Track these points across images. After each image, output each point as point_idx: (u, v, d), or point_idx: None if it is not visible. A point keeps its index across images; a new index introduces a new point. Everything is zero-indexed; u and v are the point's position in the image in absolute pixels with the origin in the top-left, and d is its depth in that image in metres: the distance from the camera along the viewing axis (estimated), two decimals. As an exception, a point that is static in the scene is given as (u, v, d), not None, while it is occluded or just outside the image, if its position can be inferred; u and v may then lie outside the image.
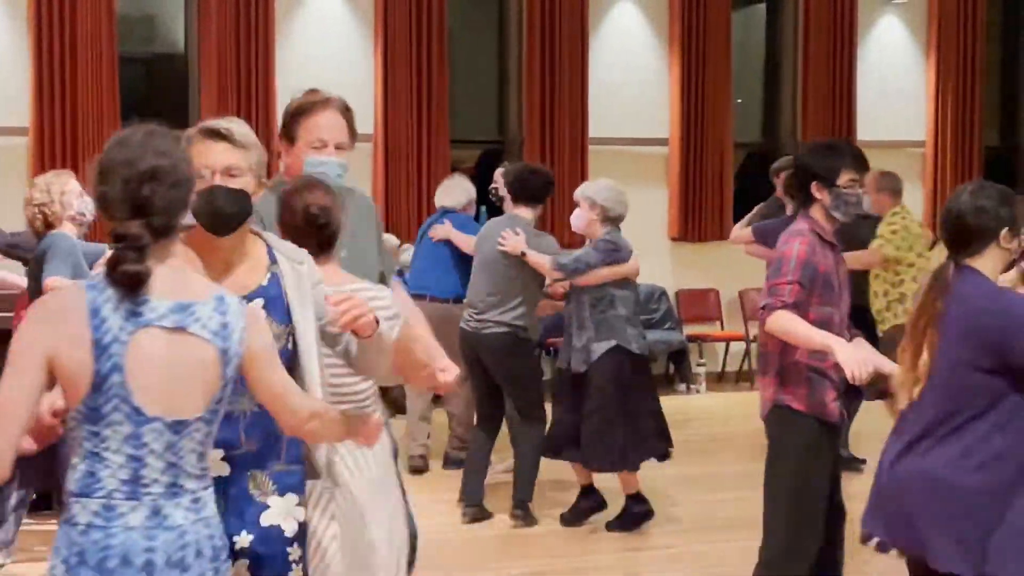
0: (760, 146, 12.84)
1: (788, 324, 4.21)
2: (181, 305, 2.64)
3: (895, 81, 12.66)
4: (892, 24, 12.73)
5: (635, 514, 6.71)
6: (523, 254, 6.73)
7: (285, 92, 10.34)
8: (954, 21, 12.68)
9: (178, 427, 2.63)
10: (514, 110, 11.62)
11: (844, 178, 4.42)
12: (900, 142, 12.40)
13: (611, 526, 6.70)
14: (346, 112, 3.86)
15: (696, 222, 11.79)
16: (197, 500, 2.67)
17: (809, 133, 12.30)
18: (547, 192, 7.04)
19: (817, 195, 4.43)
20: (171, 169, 2.65)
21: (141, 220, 2.59)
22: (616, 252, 6.67)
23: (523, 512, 6.73)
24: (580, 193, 6.82)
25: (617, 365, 6.47)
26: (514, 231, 6.75)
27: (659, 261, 11.33)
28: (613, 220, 6.78)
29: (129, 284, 2.57)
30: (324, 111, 3.80)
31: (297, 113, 3.81)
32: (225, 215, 3.11)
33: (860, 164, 4.52)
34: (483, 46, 11.95)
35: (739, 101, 12.38)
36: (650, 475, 6.84)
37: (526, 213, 6.89)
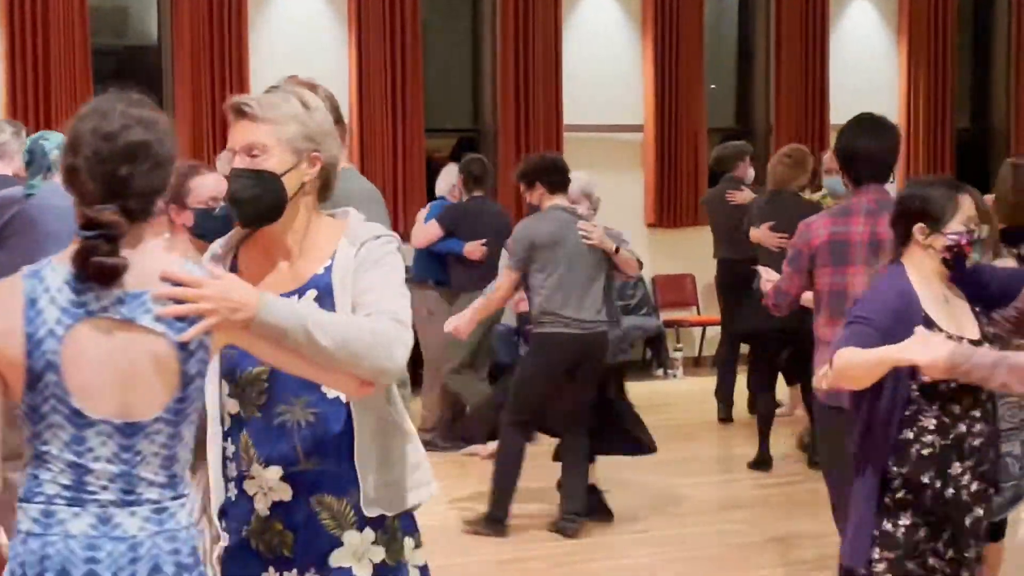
0: (734, 131, 12.89)
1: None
2: (133, 294, 2.31)
3: (867, 65, 12.72)
4: (863, 9, 12.80)
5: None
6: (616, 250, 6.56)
7: (259, 84, 10.33)
8: (925, 5, 12.74)
9: (131, 430, 2.32)
10: (488, 98, 11.62)
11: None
12: (873, 126, 12.44)
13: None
14: (316, 91, 3.96)
15: (671, 208, 11.83)
16: (161, 511, 2.34)
17: (782, 118, 12.36)
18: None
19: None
20: (154, 145, 2.37)
21: (116, 204, 2.29)
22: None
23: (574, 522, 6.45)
24: (580, 191, 6.84)
25: None
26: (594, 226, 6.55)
27: (635, 247, 11.31)
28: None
29: (103, 278, 2.28)
30: None
31: None
32: (241, 202, 2.77)
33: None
34: (457, 34, 11.95)
35: (712, 87, 12.43)
36: (627, 459, 6.87)
37: (564, 201, 6.56)
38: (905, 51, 12.77)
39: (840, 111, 12.27)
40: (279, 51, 10.55)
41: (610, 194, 11.51)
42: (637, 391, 6.96)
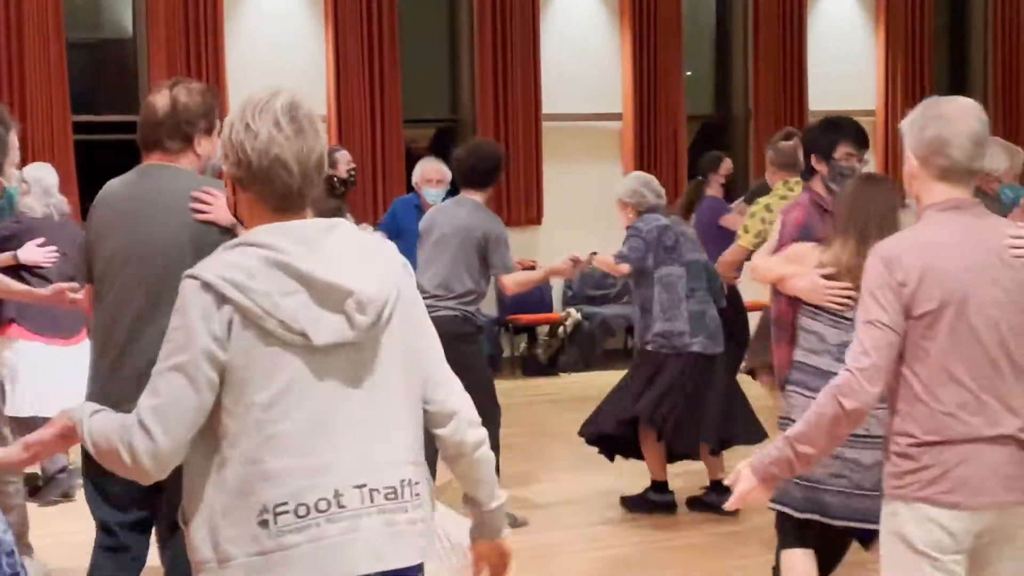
0: (713, 118, 12.90)
1: (762, 263, 4.40)
2: None
3: (845, 51, 12.74)
4: (841, -6, 12.82)
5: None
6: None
7: (235, 76, 10.29)
8: (902, -10, 12.77)
9: None
10: (467, 88, 11.59)
11: (840, 151, 4.67)
12: (851, 111, 12.37)
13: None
14: None
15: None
16: None
17: (761, 104, 12.37)
18: (497, 174, 6.77)
19: (816, 167, 4.69)
20: None
21: None
22: (635, 232, 6.63)
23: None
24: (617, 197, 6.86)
25: None
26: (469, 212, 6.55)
27: (615, 236, 11.33)
28: (649, 209, 6.72)
29: None
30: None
31: (216, 102, 3.87)
32: None
33: (858, 139, 4.73)
34: (434, 24, 11.91)
35: (689, 74, 12.42)
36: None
37: (477, 196, 6.51)
38: (883, 37, 12.79)
39: (818, 96, 12.31)
40: (255, 44, 10.51)
41: (589, 183, 11.57)
42: (616, 379, 6.93)
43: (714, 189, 8.82)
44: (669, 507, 6.68)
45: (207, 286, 2.45)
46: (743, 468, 3.22)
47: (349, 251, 2.53)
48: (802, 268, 4.52)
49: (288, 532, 2.45)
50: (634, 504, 6.76)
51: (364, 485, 2.50)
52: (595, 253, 6.74)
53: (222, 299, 2.44)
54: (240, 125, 2.52)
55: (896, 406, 3.22)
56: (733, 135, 12.59)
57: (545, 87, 11.47)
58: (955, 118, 3.21)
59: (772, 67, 12.35)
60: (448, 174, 7.63)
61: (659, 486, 6.70)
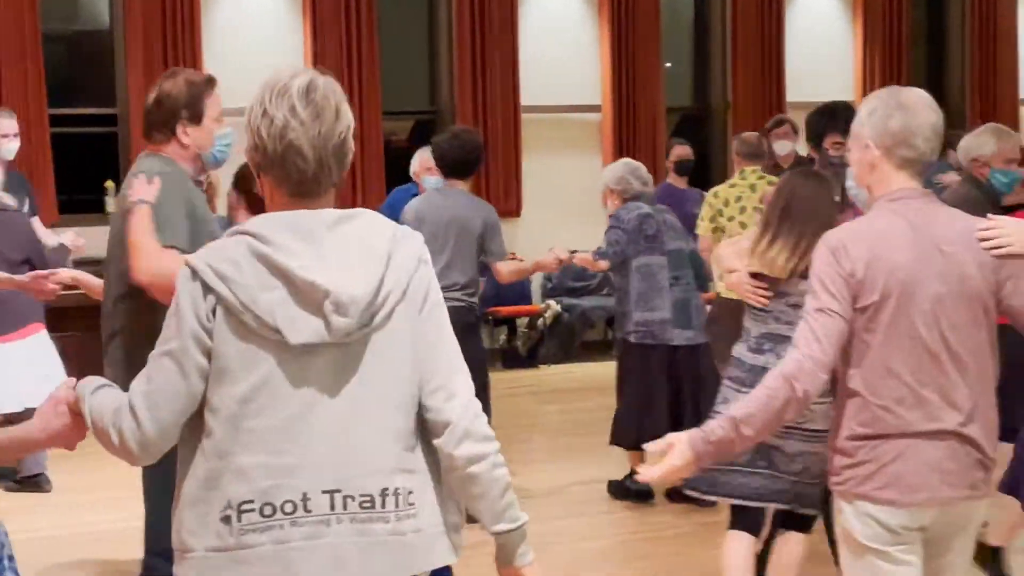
0: (691, 110, 12.91)
1: (724, 253, 4.47)
2: None
3: (823, 43, 12.76)
4: (819, -14, 12.84)
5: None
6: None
7: (213, 68, 10.24)
8: (879, -18, 12.81)
9: None
10: (445, 80, 11.57)
11: (828, 141, 4.59)
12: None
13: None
14: None
15: (630, 188, 11.83)
16: None
17: (739, 96, 12.38)
18: (481, 163, 6.77)
19: (812, 154, 4.64)
20: None
21: None
22: (616, 223, 6.64)
23: None
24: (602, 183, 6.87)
25: None
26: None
27: (595, 227, 11.34)
28: (634, 197, 6.73)
29: None
30: (216, 86, 3.97)
31: (204, 91, 3.91)
32: None
33: (848, 128, 4.66)
34: (413, 15, 11.89)
35: (669, 65, 12.42)
36: (598, 441, 6.87)
37: (463, 185, 6.44)
38: (860, 30, 12.82)
39: (796, 88, 12.33)
40: (233, 35, 10.47)
41: (568, 175, 11.57)
42: (599, 370, 6.95)
43: (669, 176, 8.83)
44: (646, 494, 6.71)
45: (195, 273, 2.43)
46: (679, 442, 3.11)
47: (351, 247, 2.45)
48: (746, 262, 4.56)
49: (251, 531, 2.40)
50: (616, 490, 6.79)
51: (337, 491, 2.42)
52: (575, 252, 6.77)
53: (207, 287, 2.41)
54: (258, 109, 2.47)
55: (837, 400, 3.22)
56: (711, 127, 12.61)
57: (524, 79, 11.46)
58: (918, 108, 3.19)
59: (750, 59, 12.37)
60: None
61: (634, 472, 6.72)
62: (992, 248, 3.14)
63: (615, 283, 6.78)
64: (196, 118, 3.84)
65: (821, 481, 4.43)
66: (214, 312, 2.41)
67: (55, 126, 10.06)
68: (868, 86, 12.73)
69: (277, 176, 2.48)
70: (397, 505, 2.45)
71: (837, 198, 4.65)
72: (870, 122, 3.22)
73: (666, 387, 6.49)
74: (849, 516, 3.17)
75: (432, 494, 2.52)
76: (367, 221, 2.51)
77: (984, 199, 5.24)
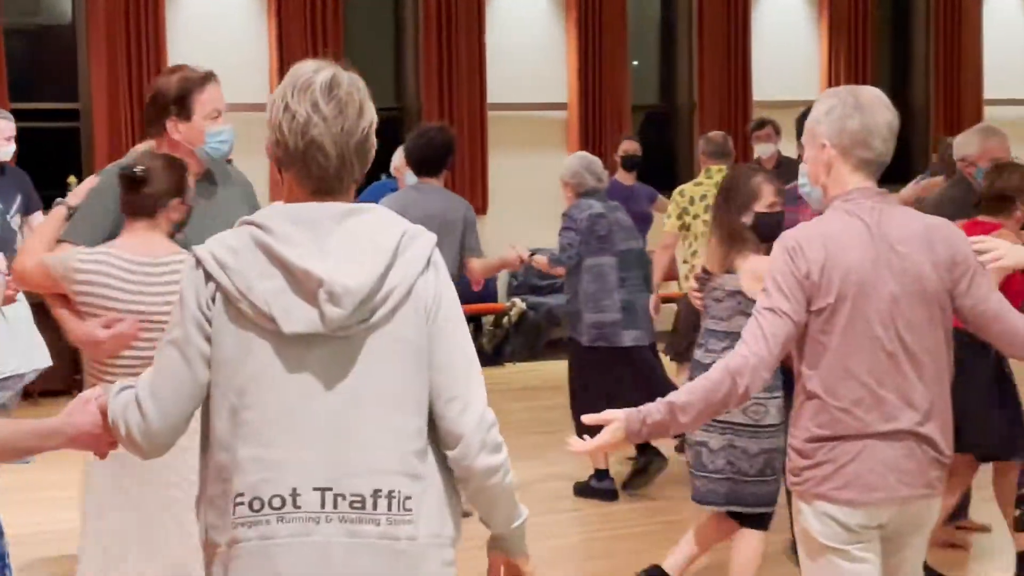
0: (658, 108, 12.92)
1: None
2: None
3: (789, 43, 12.80)
4: (785, -15, 12.89)
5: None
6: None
7: (177, 62, 10.17)
8: (845, -19, 12.86)
9: None
10: (411, 76, 11.54)
11: None
12: (794, 101, 12.47)
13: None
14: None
15: (596, 186, 11.84)
16: None
17: (706, 95, 12.40)
18: (451, 159, 6.72)
19: (800, 153, 4.65)
20: None
21: None
22: (570, 223, 6.64)
23: None
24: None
25: None
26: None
27: (559, 225, 11.36)
28: (588, 192, 6.72)
29: None
30: (213, 83, 3.91)
31: (192, 87, 3.88)
32: None
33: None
34: (379, 11, 11.85)
35: (635, 63, 12.43)
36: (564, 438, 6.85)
37: (436, 182, 6.34)
38: (826, 29, 12.87)
39: (762, 86, 12.38)
40: (198, 31, 10.40)
41: (534, 172, 11.55)
42: (565, 369, 6.93)
43: (616, 171, 8.84)
44: (610, 494, 6.72)
45: (198, 261, 2.41)
46: (616, 419, 3.10)
47: (357, 241, 2.39)
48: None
49: (240, 525, 2.37)
50: (581, 491, 6.79)
51: (328, 489, 2.36)
52: (534, 253, 6.76)
53: (208, 275, 2.39)
54: (280, 104, 2.44)
55: (795, 401, 3.22)
56: (678, 125, 12.63)
57: (490, 76, 11.44)
58: (875, 108, 3.16)
59: (717, 58, 12.39)
60: None
61: (600, 473, 6.72)
62: (988, 260, 3.16)
63: (565, 283, 6.80)
64: (185, 114, 3.86)
65: (779, 478, 4.49)
66: (214, 300, 2.39)
67: (17, 121, 9.93)
68: (833, 85, 12.76)
69: (298, 173, 2.44)
70: (390, 508, 2.38)
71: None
72: (827, 121, 3.19)
73: (619, 387, 6.54)
74: (808, 516, 3.17)
75: (435, 503, 2.45)
76: (377, 217, 2.46)
77: (967, 199, 5.26)
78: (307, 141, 2.40)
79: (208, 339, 2.39)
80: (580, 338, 6.64)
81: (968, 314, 3.18)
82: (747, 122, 12.34)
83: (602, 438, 3.10)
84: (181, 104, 3.86)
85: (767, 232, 4.48)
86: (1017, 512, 4.00)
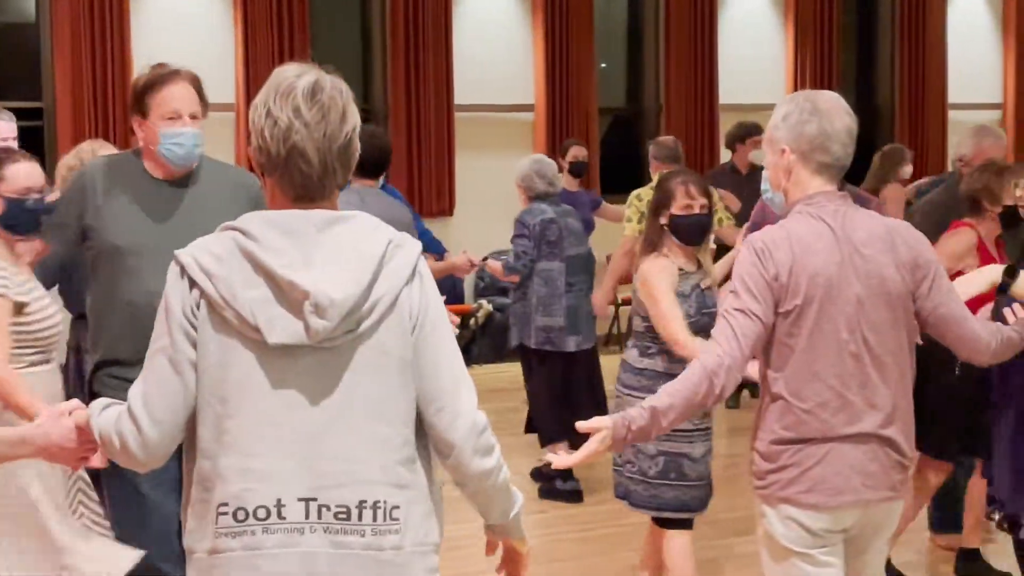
0: (625, 111, 12.95)
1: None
2: None
3: (755, 46, 12.85)
4: (751, -11, 12.94)
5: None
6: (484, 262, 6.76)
7: (142, 63, 10.11)
8: (811, -14, 12.92)
9: None
10: (378, 78, 11.51)
11: None
12: (760, 105, 12.54)
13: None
14: (196, 83, 3.88)
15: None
16: None
17: (672, 98, 12.43)
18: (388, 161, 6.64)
19: None
20: None
21: None
22: (521, 230, 6.72)
23: None
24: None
25: None
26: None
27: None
28: (539, 196, 6.78)
29: None
30: (175, 83, 3.83)
31: (148, 87, 3.83)
32: None
33: None
34: (345, 12, 11.81)
35: (603, 66, 12.44)
36: (525, 444, 6.86)
37: (375, 185, 6.23)
38: (791, 33, 12.92)
39: (729, 90, 12.42)
40: (162, 29, 10.34)
41: (501, 174, 11.53)
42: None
43: (563, 177, 8.82)
44: (574, 495, 6.75)
45: (183, 268, 2.39)
46: (604, 428, 3.05)
47: (341, 250, 2.37)
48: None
49: (224, 535, 2.36)
50: (547, 492, 6.78)
51: (313, 499, 2.35)
52: (486, 259, 6.84)
53: (192, 282, 2.37)
54: (261, 110, 2.40)
55: (761, 403, 3.22)
56: (644, 128, 12.65)
57: (457, 77, 11.42)
58: (833, 113, 3.17)
59: (683, 61, 12.42)
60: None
61: (564, 473, 6.76)
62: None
63: (515, 286, 6.82)
64: (143, 114, 3.82)
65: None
66: (198, 306, 2.36)
67: (-21, 120, 9.87)
68: (799, 86, 12.83)
69: (281, 179, 2.41)
70: (375, 519, 2.38)
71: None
72: (785, 126, 3.20)
73: (567, 389, 6.63)
74: (772, 520, 3.18)
75: (421, 511, 2.46)
76: (361, 225, 2.43)
77: (954, 202, 5.26)
78: (289, 147, 2.37)
79: (195, 345, 2.37)
80: (528, 341, 6.71)
81: (928, 316, 3.19)
82: (714, 125, 12.41)
83: (589, 448, 3.07)
84: (139, 103, 3.82)
85: (683, 234, 4.54)
86: (996, 516, 4.00)
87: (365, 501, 2.37)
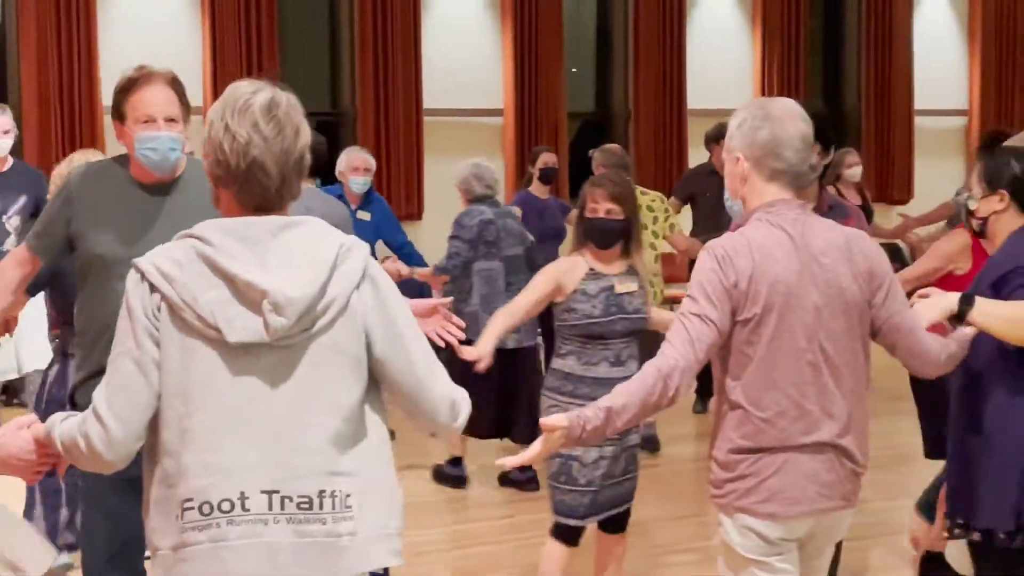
0: (593, 115, 12.97)
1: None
2: None
3: (723, 51, 12.90)
4: (719, -5, 12.99)
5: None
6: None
7: (109, 67, 10.07)
8: (778, -8, 12.99)
9: None
10: (347, 81, 11.49)
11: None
12: (729, 110, 12.46)
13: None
14: (175, 84, 3.76)
15: (532, 192, 11.86)
16: None
17: (641, 103, 12.46)
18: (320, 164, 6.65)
19: None
20: None
21: None
22: (458, 231, 6.79)
23: None
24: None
25: None
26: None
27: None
28: (478, 199, 6.91)
29: None
30: (149, 86, 3.71)
31: (123, 90, 3.71)
32: None
33: (825, 135, 4.60)
34: (314, 15, 11.79)
35: (574, 71, 12.46)
36: (494, 445, 6.86)
37: (311, 184, 6.44)
38: (759, 38, 12.98)
39: (697, 95, 12.46)
40: (130, 32, 10.29)
41: (470, 178, 11.54)
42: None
43: (533, 184, 8.83)
44: (461, 480, 7.00)
45: (142, 275, 2.48)
46: (560, 426, 3.05)
47: (295, 253, 2.48)
48: None
49: (191, 529, 2.44)
50: (436, 475, 7.08)
51: (275, 491, 2.45)
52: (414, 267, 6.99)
53: (152, 287, 2.46)
54: (219, 125, 2.51)
55: (718, 411, 3.23)
56: (613, 132, 12.68)
57: (426, 81, 11.42)
58: (786, 120, 3.17)
59: (652, 66, 12.45)
60: (373, 162, 7.80)
61: (455, 460, 7.04)
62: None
63: (453, 287, 6.89)
64: (120, 117, 3.71)
65: (626, 479, 4.50)
66: (159, 309, 2.46)
67: (-56, 122, 9.79)
68: (766, 95, 12.89)
69: (240, 191, 2.51)
70: (334, 507, 2.49)
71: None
72: (739, 134, 3.21)
73: (511, 385, 6.73)
74: (729, 529, 3.19)
75: (377, 498, 2.56)
76: (312, 229, 2.54)
77: None
78: (249, 161, 2.48)
79: (158, 345, 2.46)
80: (475, 339, 6.73)
81: (882, 326, 3.22)
82: (682, 130, 12.44)
83: (546, 445, 3.06)
84: (116, 107, 3.72)
85: (590, 237, 4.59)
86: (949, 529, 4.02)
87: (324, 491, 2.47)
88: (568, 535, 4.61)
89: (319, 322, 2.46)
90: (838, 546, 4.75)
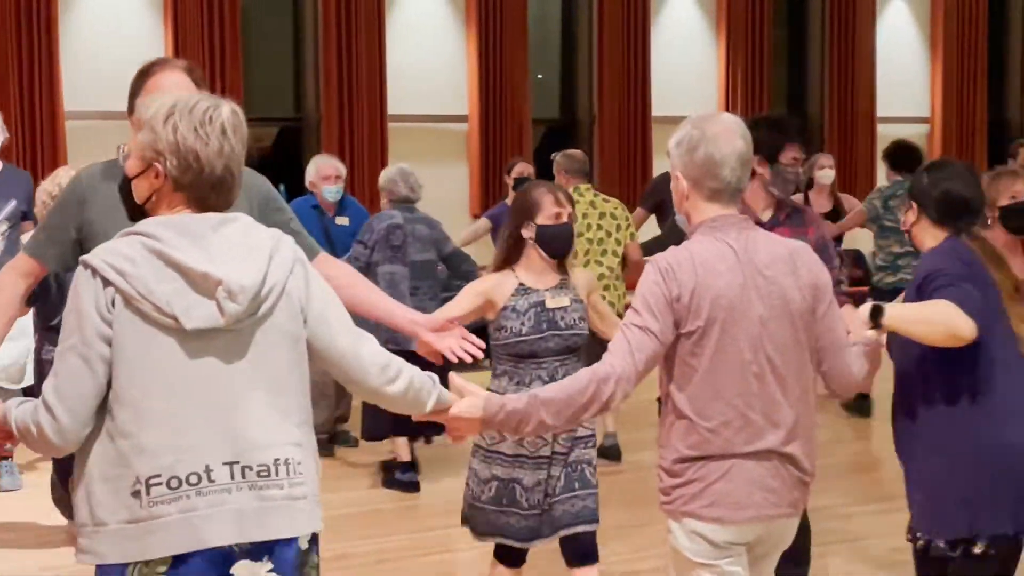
0: (558, 122, 12.98)
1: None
2: None
3: (687, 58, 12.95)
4: (683, 2, 13.01)
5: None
6: None
7: (70, 74, 10.00)
8: (742, 1, 13.03)
9: None
10: (311, 87, 11.46)
11: (788, 155, 4.53)
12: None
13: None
14: (191, 72, 3.61)
15: (496, 198, 11.82)
16: None
17: (605, 109, 12.49)
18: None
19: (757, 169, 4.41)
20: None
21: None
22: (362, 234, 6.96)
23: None
24: None
25: None
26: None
27: (461, 238, 11.35)
28: (399, 200, 7.05)
29: None
30: (164, 71, 3.54)
31: (138, 78, 3.56)
32: None
33: (804, 142, 4.62)
34: (278, 21, 11.75)
35: (540, 77, 12.47)
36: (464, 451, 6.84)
37: None
38: (723, 46, 13.04)
39: (661, 102, 12.50)
40: (91, 35, 10.23)
41: (435, 184, 11.49)
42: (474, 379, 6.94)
43: (509, 195, 8.80)
44: (412, 485, 6.97)
45: (94, 271, 2.63)
46: (477, 396, 3.11)
47: (235, 246, 2.68)
48: None
49: (160, 503, 2.63)
50: (387, 482, 7.05)
51: (236, 462, 2.68)
52: None
53: (105, 282, 2.62)
54: (189, 134, 2.66)
55: (664, 420, 3.24)
56: (578, 139, 12.70)
57: (391, 87, 11.40)
58: (722, 138, 3.18)
59: (616, 72, 12.48)
60: (344, 168, 7.82)
61: (404, 465, 7.02)
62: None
63: None
64: (130, 111, 3.61)
65: (574, 497, 4.40)
66: (113, 303, 2.62)
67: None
68: (731, 101, 12.96)
69: (199, 192, 2.70)
70: (288, 473, 2.74)
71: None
72: (676, 153, 3.23)
73: None
74: (678, 534, 3.22)
75: (313, 465, 2.82)
76: (246, 224, 2.76)
77: None
78: (223, 167, 2.69)
79: (107, 342, 2.62)
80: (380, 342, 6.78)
81: (817, 339, 3.25)
82: (646, 137, 12.48)
83: (458, 409, 3.13)
84: (131, 103, 3.57)
85: (549, 245, 4.40)
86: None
87: (279, 459, 2.73)
88: (512, 558, 4.54)
89: (263, 307, 2.68)
90: (808, 553, 4.78)
